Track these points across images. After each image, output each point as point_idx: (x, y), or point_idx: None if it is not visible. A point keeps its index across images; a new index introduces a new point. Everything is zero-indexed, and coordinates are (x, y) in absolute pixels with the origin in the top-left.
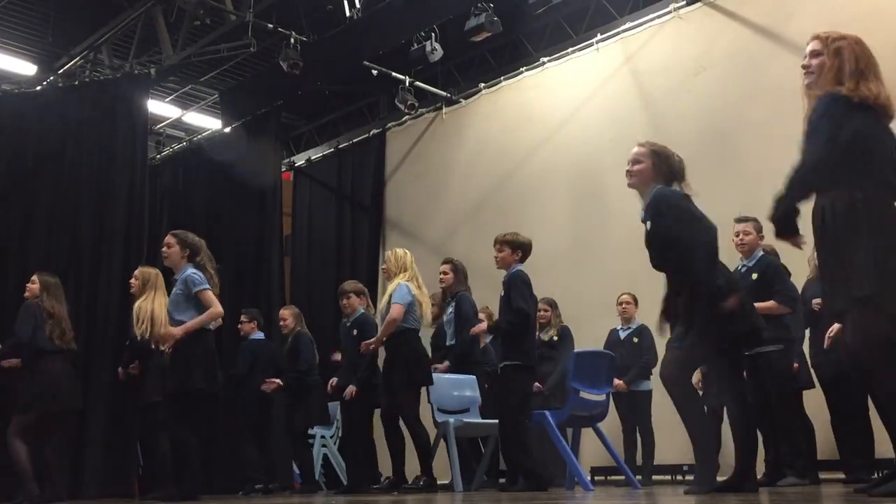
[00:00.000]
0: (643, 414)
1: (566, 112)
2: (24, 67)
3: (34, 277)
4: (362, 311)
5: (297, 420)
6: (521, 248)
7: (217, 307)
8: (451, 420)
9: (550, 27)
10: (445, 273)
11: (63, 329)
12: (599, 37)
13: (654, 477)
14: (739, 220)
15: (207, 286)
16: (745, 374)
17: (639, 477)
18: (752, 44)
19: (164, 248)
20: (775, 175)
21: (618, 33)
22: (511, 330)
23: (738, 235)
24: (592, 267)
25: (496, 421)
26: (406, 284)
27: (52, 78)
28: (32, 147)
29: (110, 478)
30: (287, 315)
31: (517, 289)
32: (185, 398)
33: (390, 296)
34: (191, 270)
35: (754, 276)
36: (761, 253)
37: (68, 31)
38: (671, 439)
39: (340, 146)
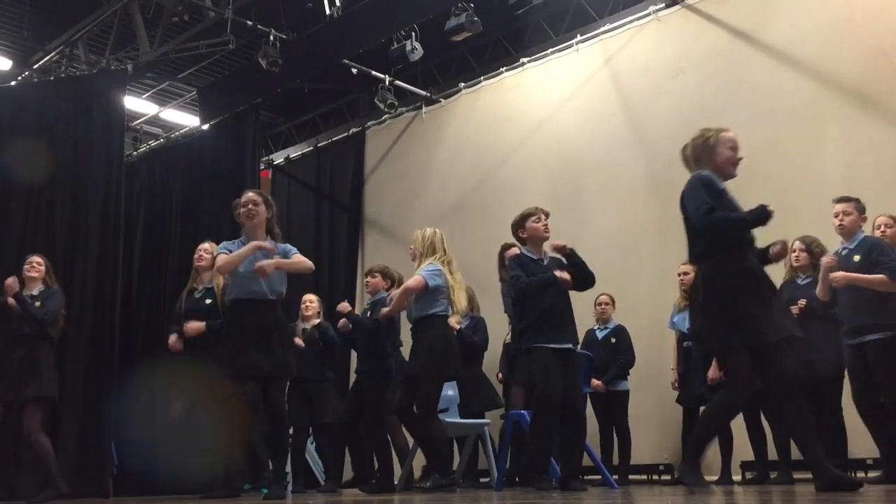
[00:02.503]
0: (620, 414)
1: (546, 112)
2: None
3: (40, 259)
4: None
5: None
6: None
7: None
8: None
9: (531, 28)
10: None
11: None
12: (579, 38)
13: (631, 476)
14: (839, 201)
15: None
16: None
17: (615, 476)
18: (729, 47)
19: (251, 206)
20: (753, 176)
21: (597, 35)
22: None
23: (837, 216)
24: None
25: (476, 421)
26: (437, 266)
27: (27, 73)
28: (6, 143)
29: (84, 477)
30: (314, 299)
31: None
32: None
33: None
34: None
35: (856, 258)
36: (863, 234)
37: (44, 26)
38: (648, 439)
39: (319, 145)
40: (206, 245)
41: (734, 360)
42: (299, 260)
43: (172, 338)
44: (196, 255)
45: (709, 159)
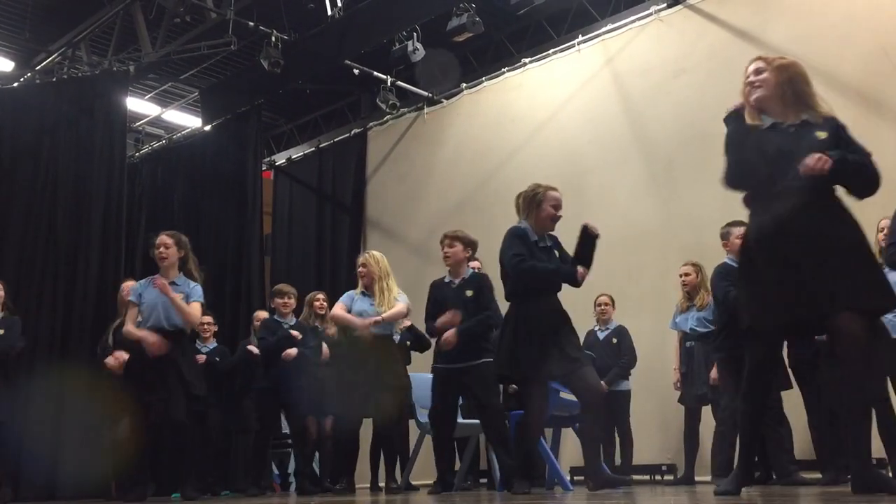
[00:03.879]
0: (622, 414)
1: (547, 113)
2: (1, 64)
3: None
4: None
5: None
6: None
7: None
8: None
9: (532, 28)
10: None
11: None
12: (581, 38)
13: (633, 477)
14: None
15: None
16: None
17: None
18: (731, 46)
19: (163, 249)
20: None
21: (599, 35)
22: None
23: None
24: None
25: (477, 421)
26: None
27: (29, 74)
28: (8, 144)
29: (87, 478)
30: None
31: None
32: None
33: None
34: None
35: None
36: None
37: (46, 27)
38: (649, 439)
39: (321, 145)
40: (128, 283)
41: (536, 388)
42: (190, 307)
43: (110, 359)
44: (125, 293)
45: (533, 213)
